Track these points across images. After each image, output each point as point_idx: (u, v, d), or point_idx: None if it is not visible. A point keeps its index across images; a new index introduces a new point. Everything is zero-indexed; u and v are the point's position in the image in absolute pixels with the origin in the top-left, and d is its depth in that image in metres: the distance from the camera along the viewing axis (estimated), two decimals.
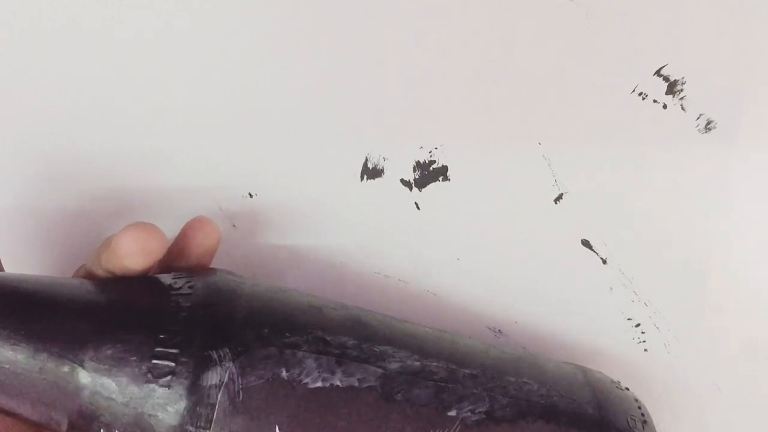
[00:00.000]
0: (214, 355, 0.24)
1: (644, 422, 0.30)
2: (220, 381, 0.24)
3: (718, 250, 0.34)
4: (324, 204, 0.33)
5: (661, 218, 0.33)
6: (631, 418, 0.29)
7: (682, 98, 0.31)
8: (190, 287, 0.26)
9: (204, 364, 0.24)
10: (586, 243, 0.34)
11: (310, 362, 0.25)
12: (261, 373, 0.25)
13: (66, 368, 0.24)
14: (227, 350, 0.24)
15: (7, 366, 0.23)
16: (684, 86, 0.31)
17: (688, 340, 0.35)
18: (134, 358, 0.24)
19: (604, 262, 0.34)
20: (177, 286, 0.26)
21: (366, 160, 0.33)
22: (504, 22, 0.31)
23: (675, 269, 0.34)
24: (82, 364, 0.24)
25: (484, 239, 0.34)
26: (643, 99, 0.31)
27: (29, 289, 0.25)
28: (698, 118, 0.32)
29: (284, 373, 0.25)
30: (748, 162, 0.32)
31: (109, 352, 0.24)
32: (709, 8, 0.30)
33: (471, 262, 0.34)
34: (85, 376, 0.24)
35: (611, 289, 0.35)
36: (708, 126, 0.32)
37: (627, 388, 0.32)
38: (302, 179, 0.33)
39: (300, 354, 0.25)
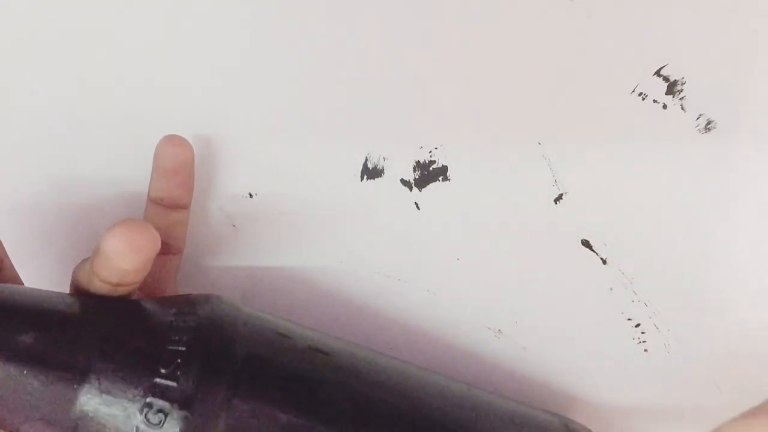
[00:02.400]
0: None
1: None
2: None
3: (718, 250, 0.34)
4: (324, 204, 0.33)
5: (661, 218, 0.33)
6: None
7: (682, 98, 0.31)
8: (180, 359, 0.25)
9: None
10: (586, 243, 0.34)
11: None
12: None
13: (65, 394, 0.24)
14: None
15: (8, 381, 0.24)
16: (684, 86, 0.31)
17: (688, 340, 0.35)
18: (121, 414, 0.24)
19: (604, 262, 0.34)
20: (166, 359, 0.25)
21: (366, 160, 0.33)
22: (504, 22, 0.31)
23: (675, 269, 0.34)
24: (79, 395, 0.24)
25: (484, 239, 0.34)
26: (643, 99, 0.31)
27: (34, 305, 0.25)
28: (698, 118, 0.32)
29: None
30: (748, 162, 0.32)
31: (93, 414, 0.24)
32: (709, 8, 0.30)
33: (471, 262, 0.34)
34: (81, 405, 0.24)
35: (611, 289, 0.35)
36: (708, 126, 0.32)
37: None
38: (302, 179, 0.33)
39: None
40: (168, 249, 0.31)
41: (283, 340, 0.28)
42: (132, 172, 0.32)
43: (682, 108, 0.32)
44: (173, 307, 0.27)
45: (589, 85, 0.31)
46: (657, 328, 0.35)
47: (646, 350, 0.36)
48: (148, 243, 0.24)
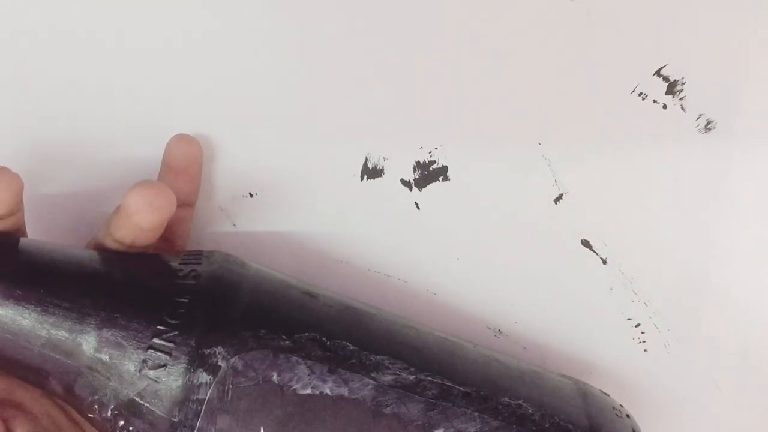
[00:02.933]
0: (208, 353, 0.25)
1: None
2: (211, 379, 0.25)
3: (717, 250, 0.34)
4: (324, 204, 0.33)
5: (661, 218, 0.33)
6: None
7: (682, 98, 0.31)
8: (194, 277, 0.26)
9: (197, 362, 0.25)
10: (586, 243, 0.34)
11: (303, 368, 0.26)
12: (252, 375, 0.25)
13: (69, 339, 0.24)
14: (221, 349, 0.25)
15: (15, 326, 0.24)
16: (684, 86, 0.31)
17: (688, 340, 0.35)
18: (131, 344, 0.25)
19: (604, 262, 0.34)
20: (182, 273, 0.26)
21: (366, 160, 0.33)
22: (504, 22, 0.31)
23: (675, 269, 0.34)
24: (84, 340, 0.24)
25: (484, 239, 0.34)
26: (643, 99, 0.31)
27: (47, 256, 0.26)
28: (698, 118, 0.32)
29: (275, 377, 0.25)
30: (747, 162, 0.32)
31: (109, 334, 0.25)
32: (709, 8, 0.30)
33: (471, 262, 0.34)
34: (85, 351, 0.25)
35: (611, 289, 0.35)
36: (708, 126, 0.32)
37: (628, 416, 0.31)
38: (302, 179, 0.33)
39: (294, 359, 0.26)
40: (171, 247, 0.31)
41: (289, 286, 0.29)
42: (132, 171, 0.32)
43: (682, 108, 0.32)
44: (180, 255, 0.28)
45: (589, 85, 0.31)
46: (657, 328, 0.35)
47: (646, 350, 0.36)
48: (166, 202, 0.26)
